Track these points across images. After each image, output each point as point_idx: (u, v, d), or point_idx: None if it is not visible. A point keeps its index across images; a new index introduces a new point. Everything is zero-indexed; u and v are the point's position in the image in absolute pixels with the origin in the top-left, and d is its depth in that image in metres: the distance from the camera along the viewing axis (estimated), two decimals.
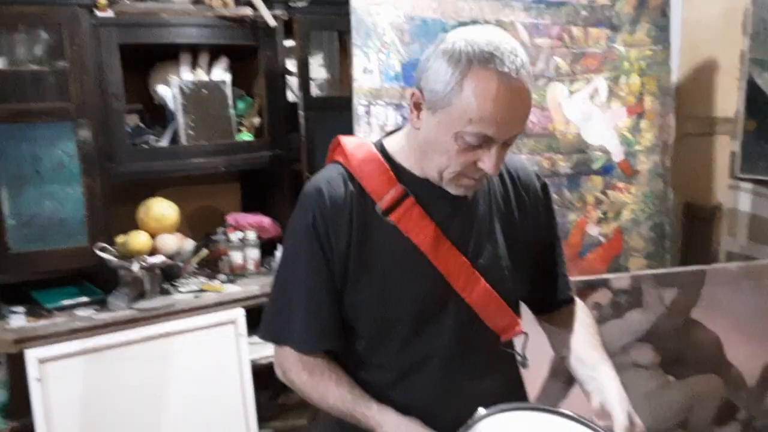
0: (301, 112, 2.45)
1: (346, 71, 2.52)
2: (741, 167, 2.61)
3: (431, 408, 1.16)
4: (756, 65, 2.52)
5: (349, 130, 2.38)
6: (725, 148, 2.68)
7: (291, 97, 2.64)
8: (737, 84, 2.56)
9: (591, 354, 1.24)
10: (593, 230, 2.28)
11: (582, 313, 1.32)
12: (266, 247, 2.55)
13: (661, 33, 2.33)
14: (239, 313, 2.22)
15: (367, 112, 1.98)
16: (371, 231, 1.17)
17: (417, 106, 1.11)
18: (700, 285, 2.10)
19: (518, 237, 1.25)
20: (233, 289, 2.34)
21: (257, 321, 2.40)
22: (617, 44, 2.19)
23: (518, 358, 1.23)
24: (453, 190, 1.16)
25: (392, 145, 1.22)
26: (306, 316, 1.18)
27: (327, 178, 1.19)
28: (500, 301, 1.20)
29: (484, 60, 1.03)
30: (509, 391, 1.26)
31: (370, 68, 1.99)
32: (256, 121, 2.53)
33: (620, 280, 2.08)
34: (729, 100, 2.63)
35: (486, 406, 1.06)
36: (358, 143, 1.23)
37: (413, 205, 1.17)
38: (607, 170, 2.28)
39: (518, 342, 1.25)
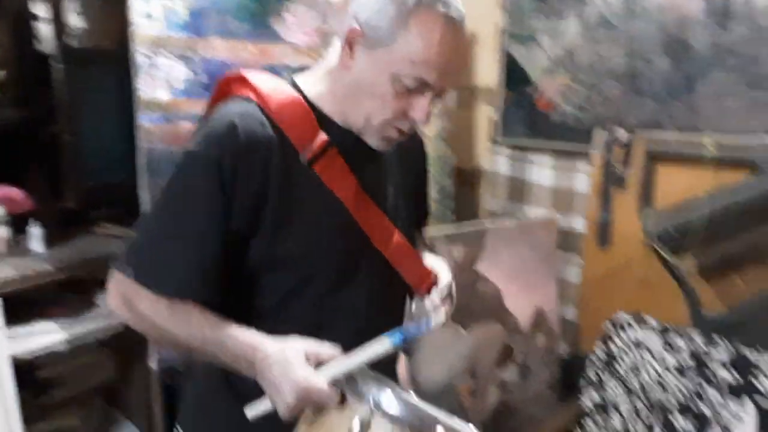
0: (57, 65, 2.11)
1: (109, 20, 2.23)
2: (500, 133, 2.86)
3: None
4: (513, 39, 2.75)
5: (117, 86, 2.12)
6: (487, 115, 2.91)
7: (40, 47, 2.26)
8: (497, 56, 2.78)
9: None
10: None
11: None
12: (18, 224, 2.17)
13: None
14: None
15: (151, 64, 1.76)
16: (293, 181, 1.07)
17: (350, 43, 1.03)
18: (483, 241, 2.25)
19: (411, 191, 1.26)
20: None
21: (15, 310, 2.06)
22: None
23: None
24: (375, 143, 1.11)
25: (309, 88, 1.12)
26: (189, 263, 1.04)
27: (240, 114, 1.05)
28: (414, 252, 1.20)
29: (432, 1, 1.00)
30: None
31: (152, 14, 1.77)
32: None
33: None
34: (490, 71, 2.85)
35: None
36: (273, 83, 1.11)
37: (336, 155, 1.10)
38: None
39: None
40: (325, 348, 1.00)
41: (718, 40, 2.22)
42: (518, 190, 2.85)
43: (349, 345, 1.11)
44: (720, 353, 1.89)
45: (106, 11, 2.40)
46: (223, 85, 1.17)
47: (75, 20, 2.40)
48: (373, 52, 1.03)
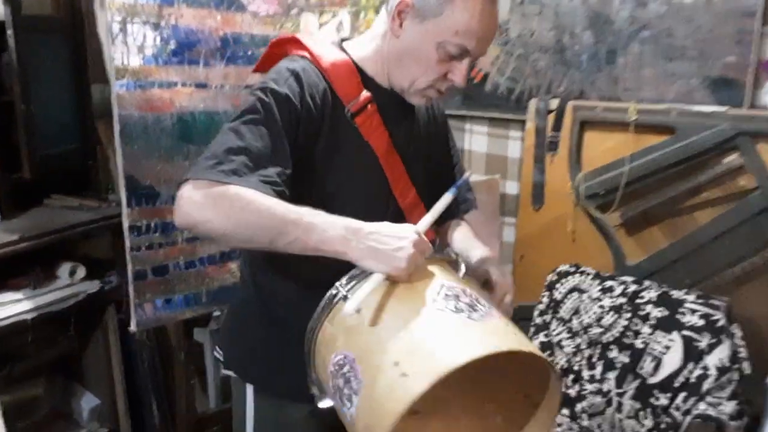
0: (9, 32, 2.06)
1: None
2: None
3: None
4: None
5: (68, 54, 2.11)
6: None
7: None
8: None
9: (466, 241, 1.44)
10: None
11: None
12: None
13: None
14: None
15: (122, 30, 1.78)
16: (338, 129, 1.19)
17: (401, 15, 1.16)
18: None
19: (432, 154, 1.41)
20: None
21: None
22: None
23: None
24: (416, 101, 1.25)
25: (355, 51, 1.26)
26: (270, 170, 1.11)
27: (301, 67, 1.17)
28: (423, 208, 1.32)
29: None
30: None
31: None
32: None
33: None
34: None
35: None
36: (323, 45, 1.24)
37: (375, 111, 1.23)
38: None
39: None
40: None
41: (636, 14, 2.45)
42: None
43: None
44: (649, 293, 2.13)
45: None
46: (276, 47, 1.29)
47: None
48: (421, 23, 1.16)
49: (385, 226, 1.06)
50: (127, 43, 1.78)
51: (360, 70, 1.26)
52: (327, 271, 1.17)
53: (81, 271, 2.20)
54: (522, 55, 2.74)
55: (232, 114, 1.21)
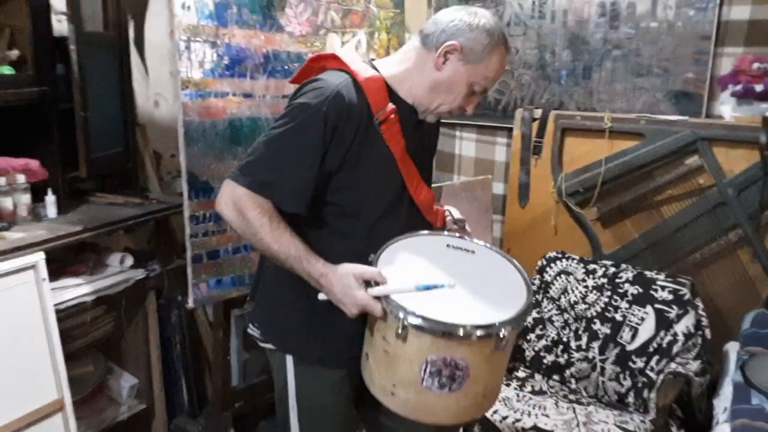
0: (72, 47, 2.31)
1: (111, 8, 2.47)
2: None
3: None
4: None
5: (117, 68, 2.36)
6: None
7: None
8: None
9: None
10: None
11: None
12: (35, 192, 2.35)
13: None
14: (39, 257, 2.06)
15: (187, 48, 2.06)
16: (368, 136, 1.45)
17: (447, 54, 1.44)
18: (440, 197, 2.73)
19: (432, 155, 1.70)
20: (16, 236, 2.14)
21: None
22: (371, 5, 2.63)
23: None
24: (431, 119, 1.53)
25: (384, 70, 1.51)
26: (298, 182, 1.42)
27: (344, 84, 1.43)
28: (433, 203, 1.63)
29: (503, 39, 1.46)
30: None
31: (188, 5, 2.06)
32: (13, 54, 2.29)
33: None
34: None
35: None
36: (360, 62, 1.49)
37: (396, 121, 1.48)
38: None
39: None
40: (368, 270, 1.41)
41: (609, 36, 2.83)
42: (447, 162, 3.36)
43: None
44: (626, 274, 2.49)
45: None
46: (314, 61, 1.56)
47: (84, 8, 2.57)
48: (464, 65, 1.44)
49: (341, 290, 1.40)
50: (191, 59, 2.06)
51: (387, 86, 1.50)
52: (357, 248, 1.49)
53: (129, 260, 2.44)
54: (508, 71, 3.09)
55: (272, 120, 1.49)
